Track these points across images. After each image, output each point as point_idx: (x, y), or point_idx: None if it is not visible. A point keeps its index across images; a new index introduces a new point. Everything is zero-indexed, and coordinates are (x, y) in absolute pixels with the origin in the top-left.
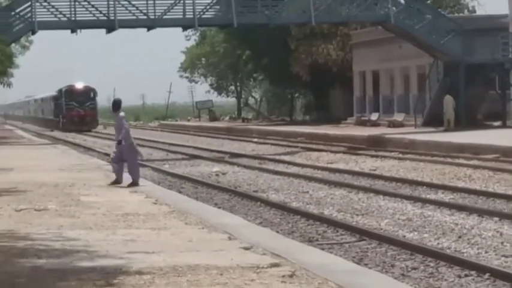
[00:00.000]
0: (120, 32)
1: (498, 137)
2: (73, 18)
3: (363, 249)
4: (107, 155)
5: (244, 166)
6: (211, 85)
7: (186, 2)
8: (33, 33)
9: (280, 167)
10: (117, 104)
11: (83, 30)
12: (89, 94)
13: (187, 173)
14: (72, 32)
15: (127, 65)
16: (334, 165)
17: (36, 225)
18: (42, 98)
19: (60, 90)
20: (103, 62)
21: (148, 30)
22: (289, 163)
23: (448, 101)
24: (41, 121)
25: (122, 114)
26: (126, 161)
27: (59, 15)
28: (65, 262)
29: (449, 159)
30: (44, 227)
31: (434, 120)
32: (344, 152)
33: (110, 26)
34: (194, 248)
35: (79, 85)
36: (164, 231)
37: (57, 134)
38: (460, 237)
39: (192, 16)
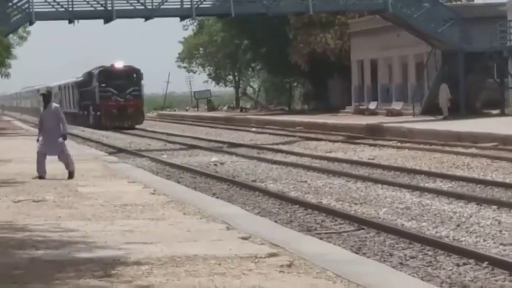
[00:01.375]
0: (117, 22)
1: (496, 125)
2: (70, 9)
3: (361, 238)
4: (105, 145)
5: (243, 156)
6: (209, 75)
7: None
8: (31, 23)
9: (279, 157)
10: (49, 95)
11: (80, 21)
12: (131, 77)
13: (185, 163)
14: (70, 22)
15: (125, 56)
16: (332, 155)
17: (34, 217)
18: (61, 86)
19: (89, 74)
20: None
21: (146, 20)
22: (287, 152)
23: (442, 89)
24: None
25: (56, 105)
26: (61, 154)
27: (56, 6)
28: (63, 253)
29: (447, 148)
30: (42, 218)
31: (433, 108)
32: (342, 141)
33: (108, 16)
34: (192, 238)
35: (119, 65)
36: (162, 222)
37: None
38: (458, 225)
39: (189, 6)
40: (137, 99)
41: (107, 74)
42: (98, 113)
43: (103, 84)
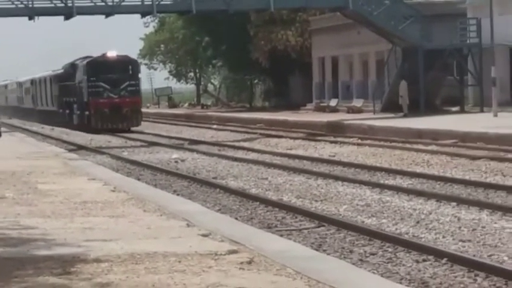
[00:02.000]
0: (78, 19)
1: (456, 122)
2: (30, 5)
3: (322, 235)
4: (66, 142)
5: (204, 153)
6: (170, 72)
7: None
8: None
9: (240, 154)
10: None
11: (40, 17)
12: (127, 69)
13: (146, 160)
14: (30, 19)
15: (86, 52)
16: (293, 152)
17: None
18: (34, 80)
19: (72, 65)
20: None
21: (106, 17)
22: (248, 149)
23: (402, 86)
24: (30, 114)
25: None
26: None
27: (16, 2)
28: (22, 251)
29: (407, 145)
30: (1, 216)
31: (393, 106)
32: (303, 138)
33: (68, 13)
34: (152, 235)
35: (111, 54)
36: (122, 219)
37: (15, 121)
38: (418, 222)
39: (150, 3)
40: (134, 96)
41: (97, 66)
42: (86, 112)
43: (92, 78)
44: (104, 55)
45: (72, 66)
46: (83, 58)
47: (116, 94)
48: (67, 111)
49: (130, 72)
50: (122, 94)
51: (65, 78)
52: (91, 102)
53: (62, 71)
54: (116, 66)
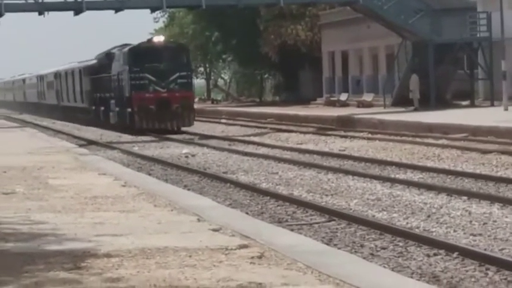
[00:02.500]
0: (88, 14)
1: (466, 116)
2: (40, 1)
3: (332, 229)
4: (76, 137)
5: (214, 147)
6: None
7: None
8: (1, 15)
9: (250, 148)
10: None
11: (50, 13)
12: (177, 58)
13: (156, 155)
14: (40, 14)
15: (95, 48)
16: (303, 146)
17: (4, 209)
18: (59, 73)
19: (109, 54)
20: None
21: (116, 12)
22: (258, 144)
23: (413, 80)
24: (53, 111)
25: None
26: None
27: None
28: (33, 246)
29: (418, 139)
30: (12, 211)
31: (403, 100)
32: (313, 133)
33: (78, 8)
34: (163, 230)
35: (158, 40)
36: (133, 214)
37: (27, 116)
38: (428, 216)
39: None
40: (186, 90)
41: (142, 54)
42: (128, 109)
43: (136, 68)
44: (149, 41)
45: (108, 56)
46: (121, 46)
47: (164, 87)
48: (101, 108)
49: (181, 61)
50: (171, 87)
51: (98, 70)
52: (134, 98)
53: (94, 61)
54: (164, 54)
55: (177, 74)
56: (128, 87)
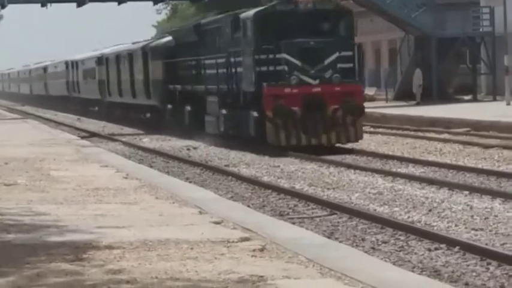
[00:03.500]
0: (90, 6)
1: (468, 110)
2: None
3: (334, 223)
4: (78, 129)
5: (215, 140)
6: None
7: None
8: (3, 7)
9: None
10: None
11: (53, 4)
12: (336, 29)
13: (158, 147)
14: (43, 6)
15: (98, 40)
16: None
17: (6, 200)
18: (104, 57)
19: (200, 26)
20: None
21: (119, 4)
22: None
23: (416, 75)
24: (91, 106)
25: None
26: None
27: None
28: (35, 237)
29: (420, 133)
30: (14, 202)
31: (405, 94)
32: None
33: (81, 0)
34: (164, 223)
35: (304, 3)
36: (134, 206)
37: (28, 108)
38: (430, 210)
39: None
40: (350, 81)
41: (277, 23)
42: (253, 113)
43: (267, 46)
44: (289, 1)
45: (200, 29)
46: (225, 12)
47: (315, 77)
48: (186, 108)
49: (342, 33)
50: (328, 77)
51: (177, 51)
52: (266, 94)
53: (167, 39)
54: (315, 22)
55: (336, 55)
56: (252, 77)
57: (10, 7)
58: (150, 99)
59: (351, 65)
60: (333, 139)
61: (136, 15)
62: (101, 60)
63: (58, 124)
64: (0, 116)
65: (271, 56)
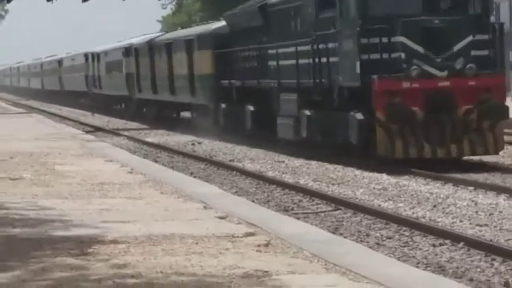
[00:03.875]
0: (95, 1)
1: None
2: None
3: (338, 218)
4: (83, 124)
5: (220, 135)
6: None
7: None
8: (9, 1)
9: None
10: None
11: None
12: (466, 7)
13: (163, 142)
14: (48, 0)
15: (102, 35)
16: None
17: (11, 195)
18: (132, 48)
19: (265, 7)
20: (78, 31)
21: None
22: None
23: None
24: (118, 103)
25: None
26: None
27: None
28: (40, 231)
29: None
30: (19, 196)
31: None
32: None
33: None
34: (169, 217)
35: None
36: (139, 201)
37: (32, 102)
38: (435, 206)
39: None
40: (490, 73)
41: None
42: (356, 115)
43: (377, 25)
44: None
45: (268, 9)
46: None
47: (441, 68)
48: (248, 108)
49: (476, 11)
50: (458, 68)
51: (235, 39)
52: (376, 89)
53: (220, 24)
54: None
55: (470, 39)
56: (356, 68)
57: (16, 1)
58: (194, 96)
59: (486, 52)
60: (466, 150)
61: (142, 11)
62: (128, 51)
63: (62, 118)
64: (5, 111)
65: (383, 39)
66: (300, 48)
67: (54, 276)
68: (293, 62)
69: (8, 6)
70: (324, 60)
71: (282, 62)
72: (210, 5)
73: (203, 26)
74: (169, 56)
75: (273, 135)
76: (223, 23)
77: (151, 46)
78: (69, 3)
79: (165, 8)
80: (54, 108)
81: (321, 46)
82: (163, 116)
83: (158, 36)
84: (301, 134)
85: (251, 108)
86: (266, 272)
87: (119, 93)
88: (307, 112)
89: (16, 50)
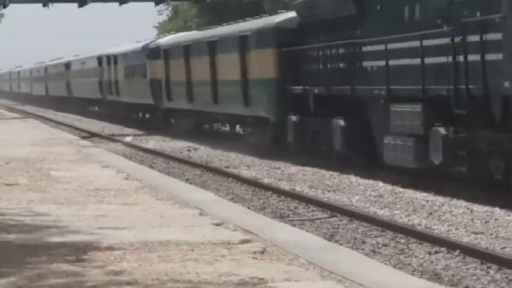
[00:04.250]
0: (91, 7)
1: None
2: None
3: (334, 225)
4: (78, 129)
5: (216, 142)
6: None
7: None
8: (5, 6)
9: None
10: None
11: (54, 4)
12: None
13: (158, 148)
14: (44, 5)
15: (98, 41)
16: None
17: (6, 200)
18: (160, 49)
19: None
20: (74, 37)
21: (120, 4)
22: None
23: None
24: (142, 114)
25: None
26: None
27: None
28: (35, 237)
29: None
30: (14, 202)
31: None
32: None
33: (82, 0)
34: (165, 224)
35: None
36: (135, 207)
37: (28, 107)
38: (430, 214)
39: None
40: None
41: None
42: None
43: None
44: None
45: None
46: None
47: None
48: (337, 122)
49: None
50: None
51: (310, 34)
52: None
53: (288, 16)
54: None
55: None
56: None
57: (11, 6)
58: (248, 106)
59: None
60: None
61: (138, 16)
62: (154, 52)
63: (58, 124)
64: (0, 116)
65: None
66: (427, 42)
67: (49, 282)
68: (414, 61)
69: (4, 11)
70: (474, 58)
71: (393, 63)
72: (206, 11)
73: (261, 20)
74: (212, 57)
75: (372, 159)
76: (288, 15)
77: (186, 46)
78: (65, 8)
79: (161, 14)
80: (49, 113)
81: (470, 39)
82: (201, 129)
83: (192, 34)
84: (431, 159)
85: (340, 123)
86: (262, 279)
87: (141, 101)
88: (441, 130)
89: (13, 55)
